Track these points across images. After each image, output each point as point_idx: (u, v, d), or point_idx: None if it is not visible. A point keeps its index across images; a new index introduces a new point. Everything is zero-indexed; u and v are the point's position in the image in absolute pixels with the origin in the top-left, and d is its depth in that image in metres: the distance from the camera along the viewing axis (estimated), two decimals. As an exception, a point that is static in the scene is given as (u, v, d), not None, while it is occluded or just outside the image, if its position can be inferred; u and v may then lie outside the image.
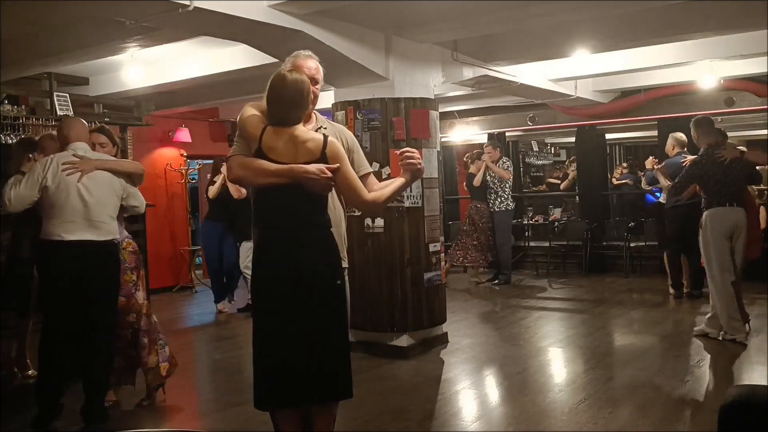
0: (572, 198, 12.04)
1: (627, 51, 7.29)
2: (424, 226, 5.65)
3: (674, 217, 7.36)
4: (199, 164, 11.01)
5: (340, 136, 3.04)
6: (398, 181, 3.00)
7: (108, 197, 4.09)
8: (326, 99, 5.38)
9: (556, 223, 10.51)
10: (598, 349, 5.80)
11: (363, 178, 2.99)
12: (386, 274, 5.57)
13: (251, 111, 2.90)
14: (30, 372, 5.11)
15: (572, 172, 11.63)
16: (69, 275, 3.96)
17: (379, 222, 5.54)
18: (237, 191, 7.39)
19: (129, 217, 4.68)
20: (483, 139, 11.10)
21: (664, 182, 6.33)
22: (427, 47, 5.95)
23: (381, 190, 2.99)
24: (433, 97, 5.92)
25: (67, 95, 7.38)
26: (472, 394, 4.74)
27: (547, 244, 10.47)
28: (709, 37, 6.64)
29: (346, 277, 3.01)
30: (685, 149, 7.23)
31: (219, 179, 7.75)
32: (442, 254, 5.93)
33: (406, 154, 2.98)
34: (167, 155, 10.02)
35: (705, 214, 5.64)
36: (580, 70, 7.98)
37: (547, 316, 7.50)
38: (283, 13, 4.63)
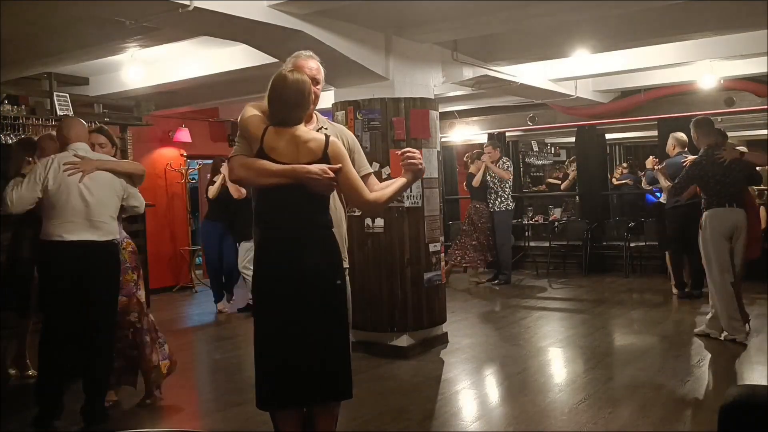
0: (572, 198, 12.04)
1: (627, 51, 7.29)
2: (424, 226, 5.65)
3: (674, 218, 7.36)
4: (199, 164, 11.01)
5: (340, 137, 3.04)
6: (400, 181, 3.00)
7: (109, 197, 4.10)
8: (326, 99, 5.38)
9: (556, 223, 10.51)
10: (598, 349, 5.80)
11: (363, 178, 2.99)
12: (386, 274, 5.57)
13: (252, 111, 2.90)
14: (30, 372, 5.11)
15: (572, 172, 11.63)
16: (69, 275, 3.97)
17: (379, 222, 5.54)
18: (237, 191, 7.39)
19: (129, 217, 4.68)
20: (483, 139, 11.10)
21: (664, 183, 6.34)
22: (427, 47, 5.95)
23: (382, 190, 2.99)
24: (433, 97, 5.92)
25: (67, 95, 7.39)
26: (472, 394, 4.74)
27: (547, 244, 10.47)
28: (709, 37, 6.64)
29: (347, 278, 3.01)
30: (686, 149, 7.23)
31: (219, 179, 7.75)
32: (442, 254, 5.93)
33: (408, 154, 2.98)
34: (167, 155, 10.02)
35: (705, 214, 5.64)
36: (580, 70, 7.98)
37: (547, 316, 7.50)
38: (283, 13, 4.63)
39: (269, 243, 2.88)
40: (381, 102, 5.57)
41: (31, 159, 4.71)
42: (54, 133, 4.64)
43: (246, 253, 7.58)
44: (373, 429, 3.96)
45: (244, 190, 7.29)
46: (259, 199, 2.93)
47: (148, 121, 8.59)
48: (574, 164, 11.56)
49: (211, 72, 6.90)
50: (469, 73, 6.72)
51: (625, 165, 12.65)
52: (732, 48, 6.92)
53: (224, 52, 6.59)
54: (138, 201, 4.31)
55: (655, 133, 10.14)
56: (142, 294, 4.45)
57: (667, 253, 7.92)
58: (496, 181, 9.11)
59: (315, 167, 2.77)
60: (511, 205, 9.23)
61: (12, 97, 7.31)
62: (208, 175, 8.31)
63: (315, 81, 2.97)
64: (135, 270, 4.43)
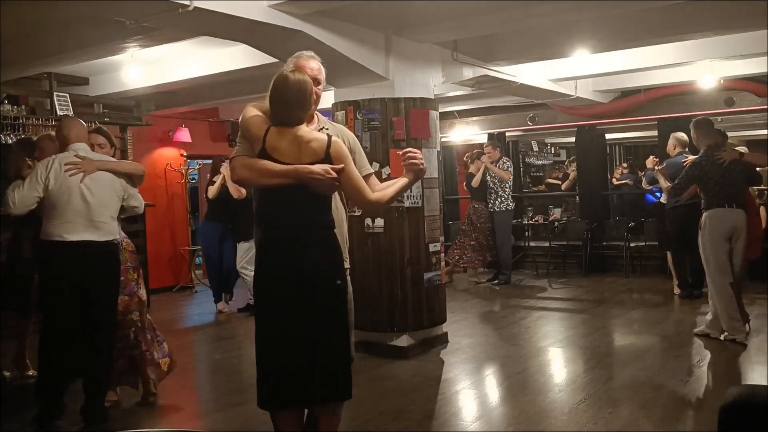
0: (572, 198, 12.04)
1: (627, 51, 7.29)
2: (424, 226, 5.65)
3: (675, 218, 7.36)
4: (199, 164, 11.01)
5: (342, 137, 3.04)
6: (401, 181, 3.00)
7: (109, 198, 4.10)
8: (326, 99, 5.38)
9: (556, 223, 10.51)
10: (598, 349, 5.80)
11: (364, 178, 2.99)
12: (386, 274, 5.57)
13: (254, 111, 2.90)
14: (30, 372, 5.11)
15: (573, 172, 11.63)
16: (70, 275, 3.97)
17: (379, 222, 5.54)
18: (237, 191, 7.39)
19: (129, 217, 4.68)
20: (483, 139, 11.10)
21: (664, 183, 6.34)
22: (427, 47, 5.95)
23: (384, 190, 3.00)
24: (433, 97, 5.92)
25: (67, 95, 7.39)
26: (472, 394, 4.74)
27: (547, 244, 10.47)
28: (709, 37, 6.64)
29: (349, 278, 3.01)
30: (687, 149, 7.22)
31: (218, 179, 7.75)
32: (442, 254, 5.93)
33: (409, 154, 2.99)
34: (167, 155, 10.01)
35: (704, 215, 5.65)
36: (580, 70, 7.98)
37: (547, 316, 7.50)
38: (283, 13, 4.63)
39: (270, 243, 2.88)
40: (381, 102, 5.57)
41: (30, 159, 4.71)
42: (53, 133, 4.64)
43: (244, 253, 7.59)
44: (373, 429, 3.96)
45: (244, 190, 7.28)
46: (260, 199, 2.92)
47: (148, 121, 8.59)
48: (574, 164, 11.57)
49: (211, 72, 6.90)
50: (469, 73, 6.72)
51: (625, 165, 12.65)
52: (732, 48, 6.92)
53: (224, 52, 6.59)
54: (138, 201, 4.31)
55: (655, 133, 10.15)
56: (143, 293, 4.48)
57: (668, 253, 7.92)
58: (496, 181, 9.10)
59: (317, 167, 2.76)
60: (511, 205, 9.22)
61: (12, 97, 7.31)
62: (208, 175, 8.32)
63: (316, 81, 2.97)
64: (136, 269, 4.46)
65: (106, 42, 5.62)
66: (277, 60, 5.29)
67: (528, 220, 10.78)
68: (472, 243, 9.29)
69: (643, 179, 8.89)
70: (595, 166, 10.86)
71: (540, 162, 15.13)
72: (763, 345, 5.48)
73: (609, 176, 11.95)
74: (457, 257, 9.33)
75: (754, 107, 9.17)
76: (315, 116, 3.08)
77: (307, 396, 2.82)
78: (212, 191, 7.83)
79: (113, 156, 4.52)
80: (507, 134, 11.58)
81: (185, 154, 10.24)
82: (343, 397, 2.90)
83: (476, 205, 9.39)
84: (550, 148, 15.76)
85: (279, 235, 2.86)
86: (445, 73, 6.26)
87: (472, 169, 9.50)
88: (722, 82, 8.37)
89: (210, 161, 8.58)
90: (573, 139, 11.43)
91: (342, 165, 2.80)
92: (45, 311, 4.16)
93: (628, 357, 5.60)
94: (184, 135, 9.85)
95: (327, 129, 3.04)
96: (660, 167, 6.55)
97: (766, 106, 8.87)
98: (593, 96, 9.58)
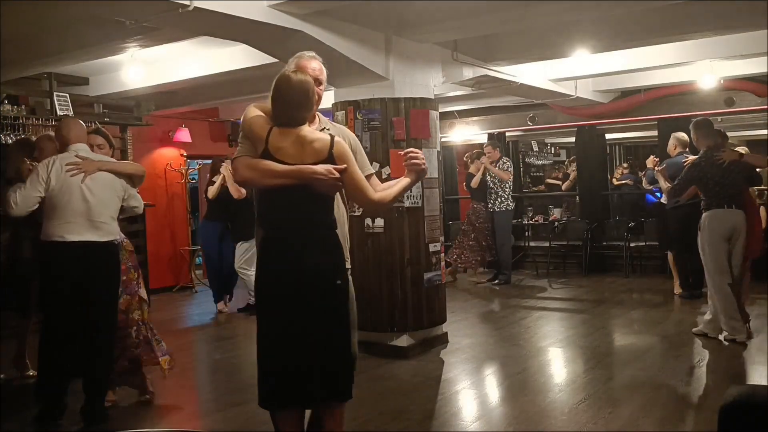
0: (572, 198, 12.04)
1: (627, 51, 7.29)
2: (424, 226, 5.65)
3: (676, 218, 7.35)
4: (199, 164, 11.01)
5: (343, 137, 3.04)
6: (404, 181, 3.00)
7: (110, 198, 4.11)
8: (326, 99, 5.38)
9: (556, 223, 10.51)
10: (598, 349, 5.80)
11: (366, 178, 2.99)
12: (386, 274, 5.57)
13: (255, 111, 2.89)
14: (30, 372, 5.11)
15: (573, 172, 11.64)
16: (70, 276, 3.97)
17: (379, 222, 5.54)
18: (237, 191, 7.38)
19: (129, 217, 4.68)
20: (483, 139, 11.10)
21: (664, 184, 6.34)
22: (427, 47, 5.95)
23: (387, 189, 3.00)
24: (433, 97, 5.92)
25: (67, 95, 7.39)
26: (472, 394, 4.74)
27: (547, 244, 10.47)
28: (709, 37, 6.64)
29: (350, 278, 3.01)
30: (687, 149, 7.22)
31: (218, 179, 7.74)
32: (442, 254, 5.93)
33: (411, 154, 2.99)
34: (167, 155, 10.01)
35: (704, 215, 5.65)
36: (580, 70, 7.98)
37: (547, 316, 7.50)
38: (283, 13, 4.63)
39: (272, 243, 2.88)
40: (381, 102, 5.57)
41: (29, 160, 4.70)
42: (53, 133, 4.64)
43: (243, 253, 7.59)
44: (373, 429, 3.96)
45: (244, 191, 7.28)
46: (262, 199, 2.92)
47: (148, 121, 8.59)
48: (574, 164, 11.57)
49: (211, 72, 6.90)
50: (469, 73, 6.72)
51: (625, 165, 12.65)
52: (732, 48, 6.92)
53: (224, 52, 6.59)
54: (138, 202, 4.32)
55: (655, 133, 10.15)
56: (143, 292, 4.49)
57: (669, 253, 7.92)
58: (496, 181, 9.10)
59: (321, 167, 2.77)
60: (511, 205, 9.22)
61: (12, 97, 7.31)
62: (208, 175, 8.31)
63: (318, 82, 2.97)
64: (136, 269, 4.48)
65: (106, 42, 5.62)
66: (277, 60, 5.29)
67: (528, 220, 10.78)
68: (470, 243, 9.30)
69: (644, 179, 8.88)
70: (595, 166, 10.86)
71: (540, 162, 15.12)
72: (763, 345, 5.48)
73: (609, 176, 11.95)
74: (455, 256, 9.34)
75: (754, 107, 9.17)
76: (316, 116, 3.08)
77: (306, 396, 2.81)
78: (212, 191, 7.82)
79: (112, 156, 4.52)
80: (507, 134, 11.58)
81: (185, 154, 10.24)
82: (343, 397, 2.90)
83: (475, 206, 9.40)
84: (550, 148, 15.75)
85: (281, 235, 2.86)
86: (445, 73, 6.26)
87: (471, 169, 9.50)
88: (722, 82, 8.37)
89: (210, 161, 8.58)
90: (573, 139, 11.43)
91: (345, 165, 2.80)
92: (45, 311, 4.17)
93: (628, 357, 5.60)
94: (184, 135, 9.85)
95: (328, 129, 3.04)
96: (660, 168, 6.54)
97: (766, 106, 8.87)
98: (593, 96, 9.58)
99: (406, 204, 5.53)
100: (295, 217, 2.84)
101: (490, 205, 9.17)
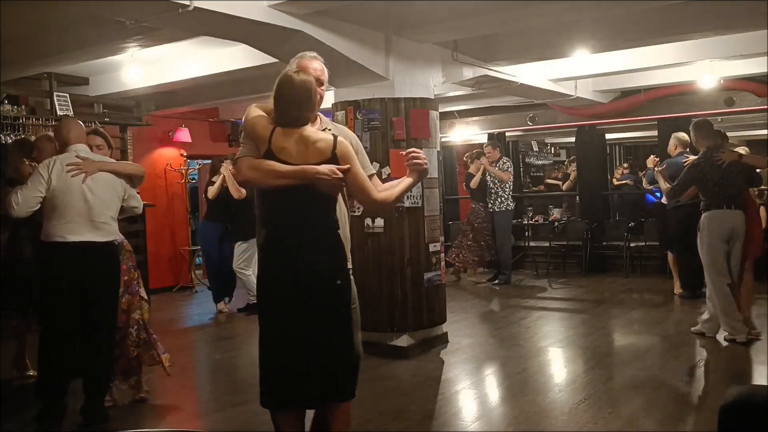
0: (572, 198, 12.04)
1: (627, 51, 7.29)
2: (424, 226, 5.65)
3: (676, 218, 7.35)
4: (199, 164, 11.01)
5: (344, 137, 3.04)
6: (406, 181, 3.01)
7: (111, 198, 4.11)
8: (326, 99, 5.38)
9: (556, 223, 10.51)
10: (598, 349, 5.80)
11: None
12: (386, 274, 5.57)
13: (257, 112, 2.89)
14: (30, 372, 5.11)
15: (573, 172, 11.64)
16: (70, 276, 3.97)
17: (379, 222, 5.54)
18: (237, 191, 7.38)
19: (129, 217, 4.68)
20: (483, 139, 11.10)
21: (663, 184, 6.34)
22: (427, 47, 5.95)
23: (389, 189, 3.01)
24: (433, 97, 5.92)
25: (67, 95, 7.38)
26: (472, 394, 4.74)
27: (547, 244, 10.47)
28: (709, 37, 6.64)
29: (352, 278, 3.01)
30: (688, 149, 7.21)
31: (218, 179, 7.74)
32: (442, 254, 5.93)
33: (412, 154, 3.00)
34: (167, 155, 10.01)
35: (703, 216, 5.65)
36: (580, 70, 7.98)
37: (547, 316, 7.50)
38: (283, 13, 4.63)
39: (275, 243, 2.87)
40: (381, 102, 5.57)
41: (28, 160, 4.70)
42: (51, 134, 4.64)
43: (241, 253, 7.59)
44: (373, 429, 3.96)
45: (244, 191, 7.27)
46: (265, 200, 2.92)
47: (148, 121, 8.58)
48: (574, 164, 11.57)
49: (211, 72, 6.90)
50: (469, 73, 6.72)
51: (625, 165, 12.64)
52: (732, 48, 6.92)
53: (224, 52, 6.59)
54: (137, 202, 4.33)
55: (655, 133, 10.14)
56: (143, 291, 4.50)
57: (670, 253, 7.91)
58: (496, 181, 9.10)
59: (324, 167, 2.77)
60: (511, 205, 9.22)
61: (12, 97, 7.30)
62: (208, 175, 8.31)
63: (319, 82, 2.97)
64: (136, 269, 4.51)
65: (106, 42, 5.62)
66: (277, 60, 5.29)
67: (528, 220, 10.78)
68: (469, 243, 9.30)
69: (644, 179, 8.88)
70: (595, 166, 10.86)
71: (540, 162, 15.12)
72: (763, 345, 5.48)
73: (609, 176, 11.95)
74: (454, 256, 9.35)
75: (754, 107, 9.17)
76: (318, 117, 3.08)
77: (306, 396, 2.81)
78: (212, 191, 7.82)
79: (110, 156, 4.52)
80: (507, 134, 11.58)
81: (185, 154, 10.24)
82: (344, 397, 2.90)
83: (474, 206, 9.40)
84: (550, 148, 15.75)
85: (284, 235, 2.86)
86: (445, 73, 6.26)
87: (471, 169, 9.50)
88: (722, 82, 8.37)
89: (210, 161, 8.58)
90: (573, 139, 11.43)
91: (348, 165, 2.80)
92: (45, 311, 4.17)
93: (628, 357, 5.60)
94: (184, 135, 9.85)
95: (330, 129, 3.04)
96: (660, 168, 6.54)
97: (766, 106, 8.87)
98: (593, 96, 9.58)
99: (406, 204, 5.53)
100: (299, 218, 2.84)
101: (490, 205, 9.17)
